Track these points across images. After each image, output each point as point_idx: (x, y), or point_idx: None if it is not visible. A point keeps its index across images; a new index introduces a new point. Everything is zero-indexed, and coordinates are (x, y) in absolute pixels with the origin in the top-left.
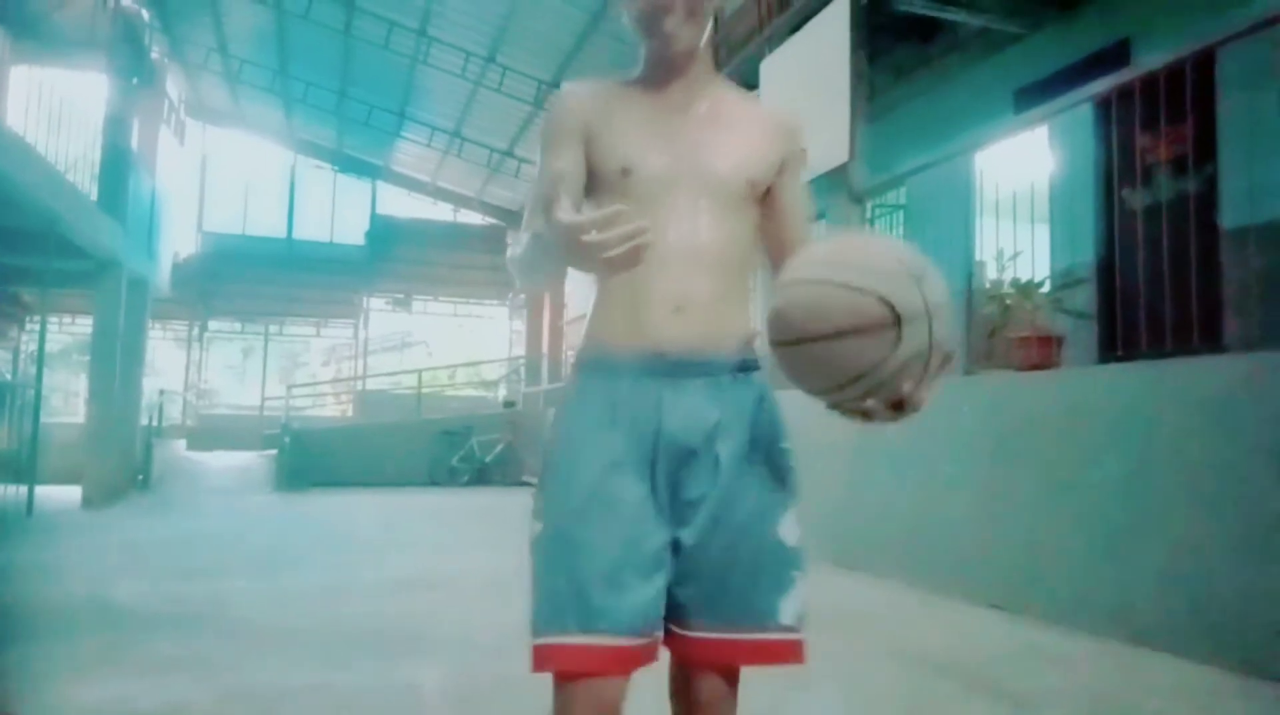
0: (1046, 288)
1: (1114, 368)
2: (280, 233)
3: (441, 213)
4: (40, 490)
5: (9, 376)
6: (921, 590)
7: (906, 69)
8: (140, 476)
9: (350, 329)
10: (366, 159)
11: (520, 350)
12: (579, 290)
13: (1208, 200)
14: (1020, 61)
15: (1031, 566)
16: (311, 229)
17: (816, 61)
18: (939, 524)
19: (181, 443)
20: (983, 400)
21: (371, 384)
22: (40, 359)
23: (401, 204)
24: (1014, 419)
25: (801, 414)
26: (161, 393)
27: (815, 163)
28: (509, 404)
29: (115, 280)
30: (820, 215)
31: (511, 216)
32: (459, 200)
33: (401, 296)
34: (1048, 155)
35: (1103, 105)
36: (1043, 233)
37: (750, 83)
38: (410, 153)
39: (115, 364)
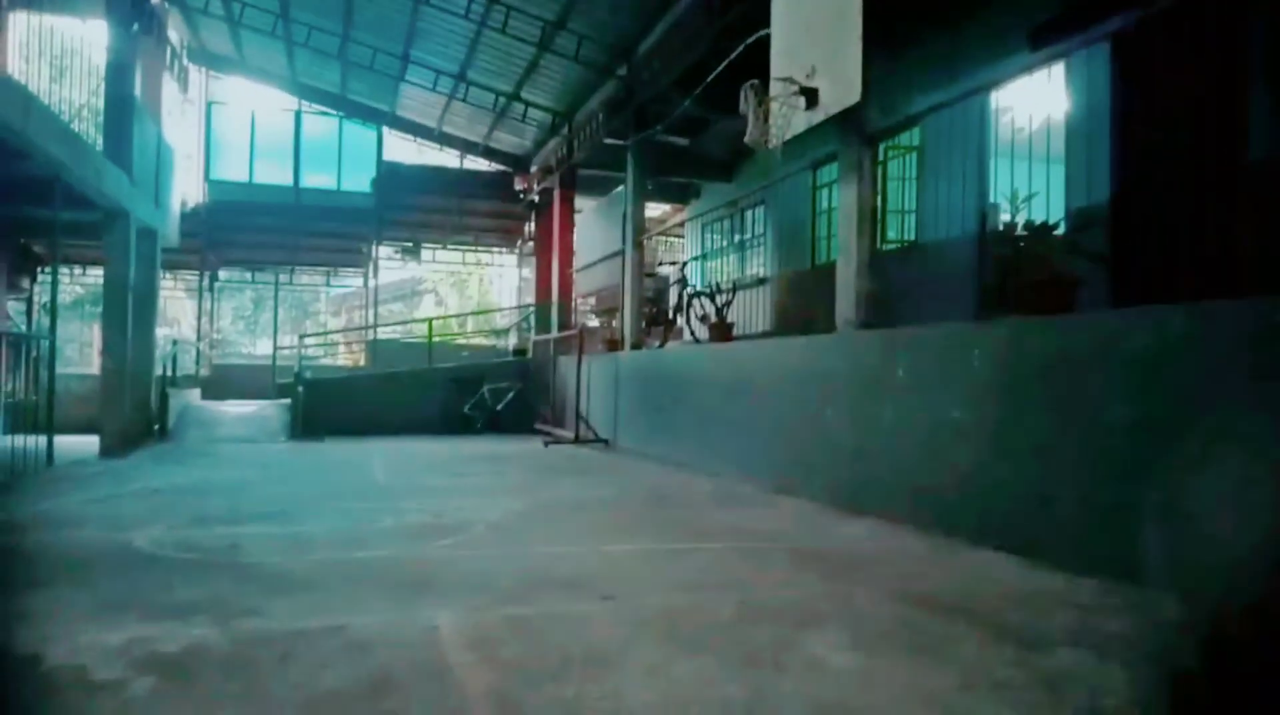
0: (1061, 230)
1: (1127, 312)
2: (286, 181)
3: (448, 159)
4: (59, 440)
5: (23, 328)
6: (930, 534)
7: (921, 6)
8: (156, 425)
9: (359, 278)
10: (371, 104)
11: (529, 298)
12: (587, 236)
13: (1230, 138)
14: None
15: (1041, 509)
16: (318, 177)
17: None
18: (948, 468)
19: (196, 392)
20: (994, 345)
21: (382, 333)
22: (53, 309)
23: (407, 151)
24: (1025, 363)
25: (810, 355)
26: (175, 343)
27: (826, 104)
28: (519, 352)
29: (124, 230)
30: (831, 158)
31: (518, 162)
32: (465, 146)
33: (409, 245)
34: (1064, 94)
35: (1121, 41)
36: (1058, 173)
37: (761, 21)
38: (415, 98)
39: (128, 314)
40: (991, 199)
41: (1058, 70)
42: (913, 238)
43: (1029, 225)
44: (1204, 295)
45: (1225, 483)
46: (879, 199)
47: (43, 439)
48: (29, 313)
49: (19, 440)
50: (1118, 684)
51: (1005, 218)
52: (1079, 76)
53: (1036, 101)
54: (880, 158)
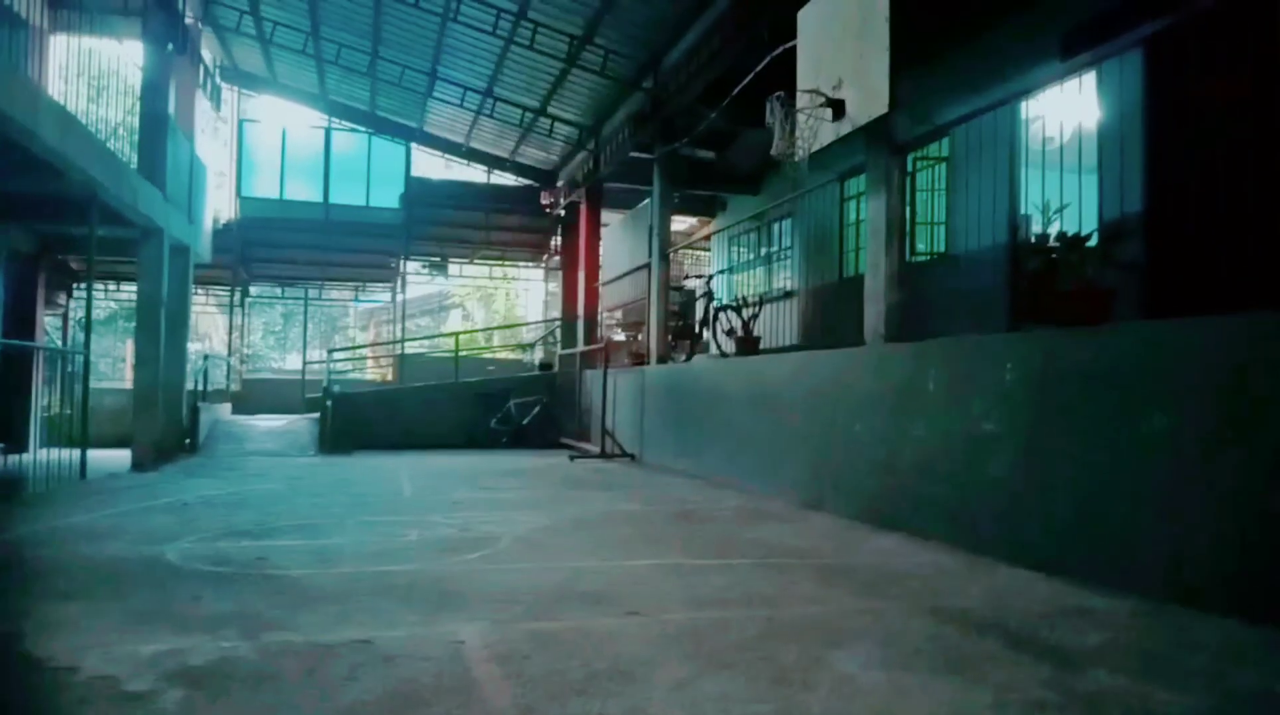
0: (1094, 241)
1: (1163, 323)
2: (317, 197)
3: (475, 174)
4: (92, 453)
5: (59, 343)
6: (963, 549)
7: (949, 13)
8: (187, 440)
9: (388, 293)
10: (400, 121)
11: (555, 312)
12: (613, 250)
13: (1270, 142)
14: (1068, 2)
15: (1077, 526)
16: (347, 193)
17: (855, 9)
18: (981, 483)
19: (227, 406)
20: (1027, 357)
21: (410, 348)
22: (88, 325)
23: (435, 167)
24: (1059, 376)
25: (838, 369)
26: (206, 357)
27: (854, 115)
28: (545, 366)
29: (157, 246)
30: (858, 169)
31: (544, 176)
32: (492, 161)
33: (437, 259)
34: (1097, 102)
35: (1154, 47)
36: (1091, 183)
37: (788, 33)
38: (443, 114)
39: (160, 329)
40: (1023, 210)
41: (1089, 78)
42: (942, 249)
43: (1061, 236)
44: (1244, 306)
45: (1273, 499)
46: (908, 210)
47: (76, 452)
48: (64, 328)
49: (53, 453)
50: (1156, 705)
51: (1037, 229)
52: (1111, 84)
53: (1068, 110)
54: (909, 169)
